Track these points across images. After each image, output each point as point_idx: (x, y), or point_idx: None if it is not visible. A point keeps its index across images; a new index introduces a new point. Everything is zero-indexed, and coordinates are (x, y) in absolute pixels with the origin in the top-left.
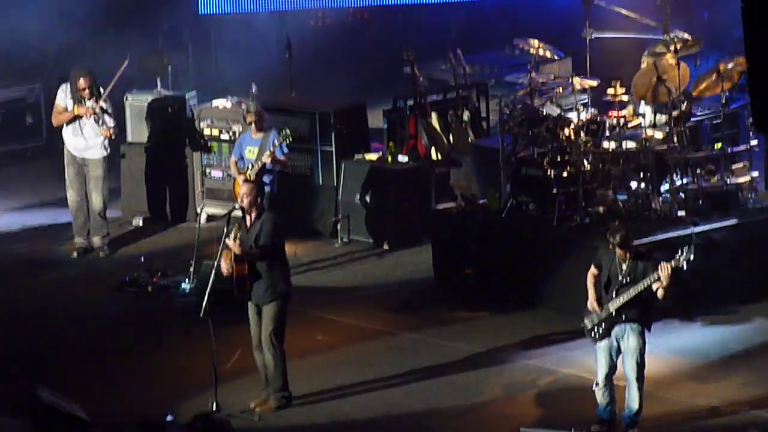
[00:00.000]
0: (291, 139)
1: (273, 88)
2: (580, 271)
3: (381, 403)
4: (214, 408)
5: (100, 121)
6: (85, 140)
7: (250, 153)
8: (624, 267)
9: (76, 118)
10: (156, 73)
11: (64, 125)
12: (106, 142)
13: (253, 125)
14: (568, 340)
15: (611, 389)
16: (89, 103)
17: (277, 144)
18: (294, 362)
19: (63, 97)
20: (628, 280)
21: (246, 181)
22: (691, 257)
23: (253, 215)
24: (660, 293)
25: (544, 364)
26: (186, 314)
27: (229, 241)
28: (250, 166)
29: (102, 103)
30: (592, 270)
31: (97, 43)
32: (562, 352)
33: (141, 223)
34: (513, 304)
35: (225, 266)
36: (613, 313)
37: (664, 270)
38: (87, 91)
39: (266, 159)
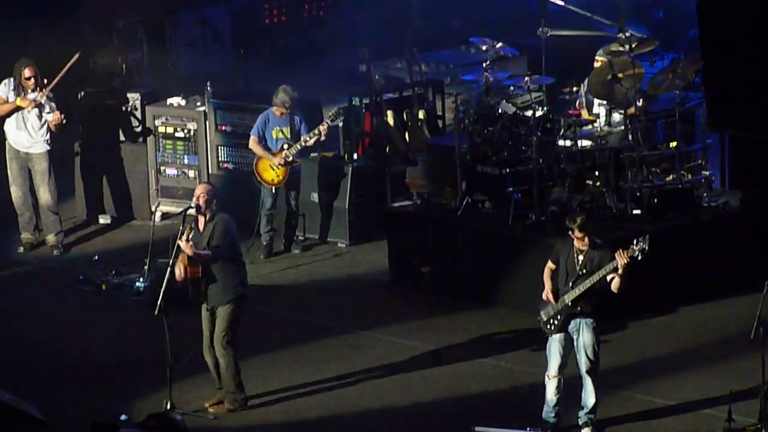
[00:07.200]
0: (339, 116)
1: (228, 85)
2: (535, 270)
3: (336, 401)
4: (169, 407)
5: (46, 110)
6: (28, 135)
7: (280, 133)
8: (580, 258)
9: (18, 109)
10: (110, 71)
11: (7, 120)
12: (48, 135)
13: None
14: (523, 338)
15: (561, 385)
16: (32, 95)
17: (327, 125)
18: (249, 360)
19: (5, 90)
20: (585, 272)
21: (203, 181)
22: (646, 247)
23: (207, 216)
24: (615, 283)
25: (499, 362)
26: (140, 312)
27: (182, 243)
28: (286, 146)
29: (48, 93)
30: (549, 264)
31: (51, 38)
32: (518, 350)
33: (102, 222)
34: (468, 303)
35: (179, 270)
36: (569, 304)
37: (622, 258)
38: (32, 80)
39: (311, 141)
